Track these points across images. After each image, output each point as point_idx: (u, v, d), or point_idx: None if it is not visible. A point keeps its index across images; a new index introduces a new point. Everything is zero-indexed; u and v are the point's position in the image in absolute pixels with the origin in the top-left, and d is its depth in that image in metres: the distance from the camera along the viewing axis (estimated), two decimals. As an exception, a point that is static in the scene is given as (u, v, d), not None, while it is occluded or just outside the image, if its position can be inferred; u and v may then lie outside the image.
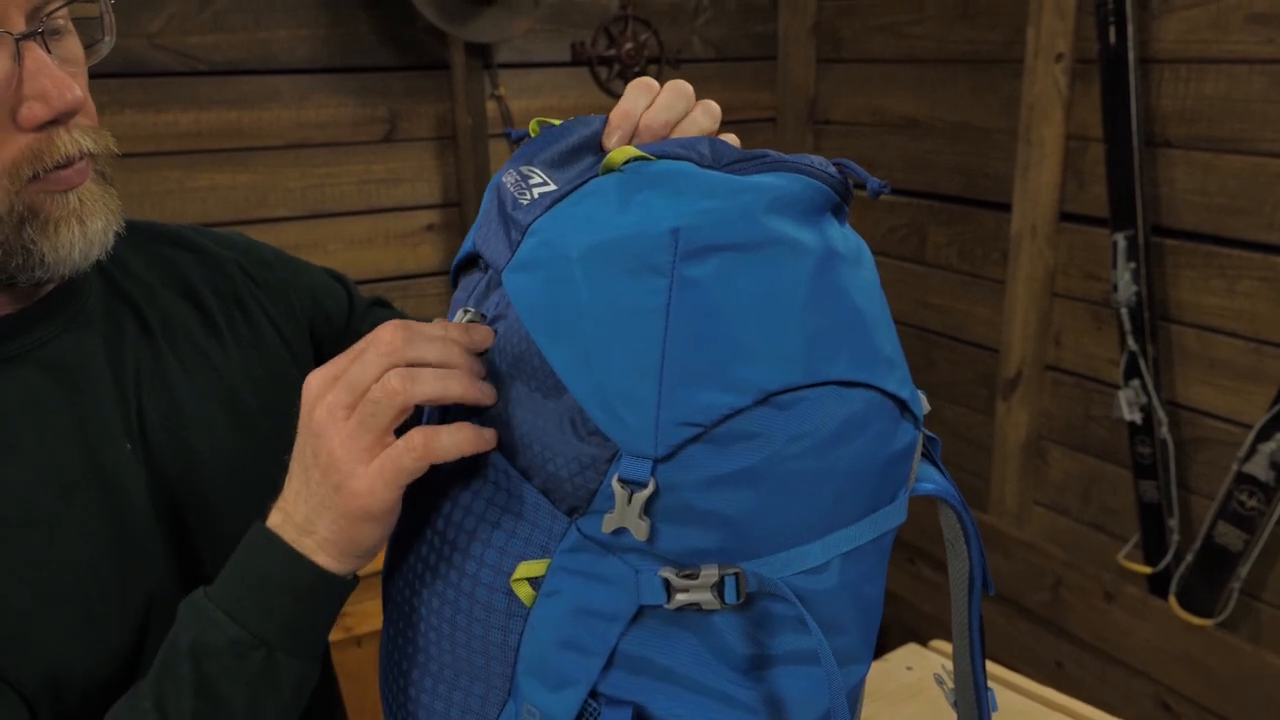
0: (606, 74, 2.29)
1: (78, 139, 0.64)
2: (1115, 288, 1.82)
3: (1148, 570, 1.88)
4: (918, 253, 2.30)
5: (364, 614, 1.81)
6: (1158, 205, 1.79)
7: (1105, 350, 1.92)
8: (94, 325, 0.73)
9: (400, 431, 0.54)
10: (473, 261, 0.62)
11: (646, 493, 0.47)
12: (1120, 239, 1.80)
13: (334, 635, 0.59)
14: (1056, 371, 2.04)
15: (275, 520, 0.58)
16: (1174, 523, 1.83)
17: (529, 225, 0.53)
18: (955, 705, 0.67)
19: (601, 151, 0.57)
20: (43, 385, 0.69)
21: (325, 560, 0.57)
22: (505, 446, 0.54)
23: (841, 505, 0.52)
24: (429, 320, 0.61)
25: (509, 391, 0.54)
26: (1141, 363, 1.81)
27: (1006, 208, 2.03)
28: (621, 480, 0.48)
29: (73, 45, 0.66)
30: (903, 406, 0.53)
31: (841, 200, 0.54)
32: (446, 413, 0.56)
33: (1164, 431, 1.81)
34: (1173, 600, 1.83)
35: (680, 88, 0.58)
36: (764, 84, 2.51)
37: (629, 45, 2.27)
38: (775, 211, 0.50)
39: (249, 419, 0.79)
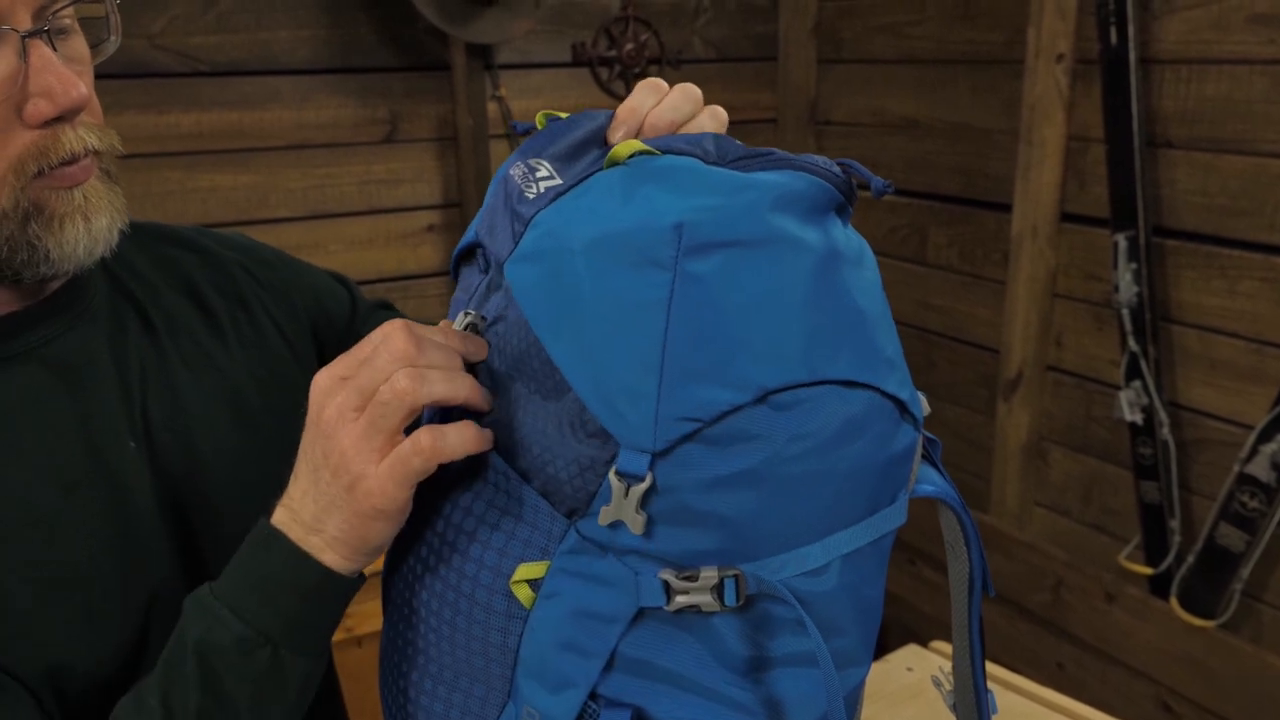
0: (607, 75, 2.29)
1: (83, 136, 0.65)
2: (1116, 288, 1.82)
3: (1149, 571, 1.88)
4: (918, 253, 2.30)
5: (365, 614, 1.81)
6: (1159, 206, 1.79)
7: (1106, 351, 1.92)
8: (98, 324, 0.73)
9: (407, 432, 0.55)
10: (472, 252, 0.61)
11: (643, 487, 0.47)
12: (1121, 240, 1.80)
13: (335, 635, 0.59)
14: (1057, 372, 2.04)
15: (280, 518, 0.59)
16: (1175, 524, 1.83)
17: (532, 217, 0.53)
18: (954, 708, 0.67)
19: (607, 146, 0.57)
20: (47, 383, 0.69)
21: (332, 559, 0.57)
22: (505, 448, 0.54)
23: (841, 507, 0.52)
24: (430, 324, 0.61)
25: (509, 393, 0.54)
26: (1143, 363, 1.81)
27: (1007, 208, 2.03)
28: (619, 474, 0.48)
29: (79, 44, 0.67)
30: (902, 408, 0.53)
31: (845, 200, 0.54)
32: (446, 416, 0.56)
33: (1165, 432, 1.81)
34: (1174, 601, 1.83)
35: (689, 90, 0.59)
36: (764, 85, 2.51)
37: (630, 46, 2.27)
38: (779, 209, 0.50)
39: (252, 418, 0.79)
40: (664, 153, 0.53)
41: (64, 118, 0.63)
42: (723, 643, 0.52)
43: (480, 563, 0.54)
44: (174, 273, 0.81)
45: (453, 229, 2.21)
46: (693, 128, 0.59)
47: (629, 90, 2.32)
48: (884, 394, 0.52)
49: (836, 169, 0.53)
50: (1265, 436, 1.65)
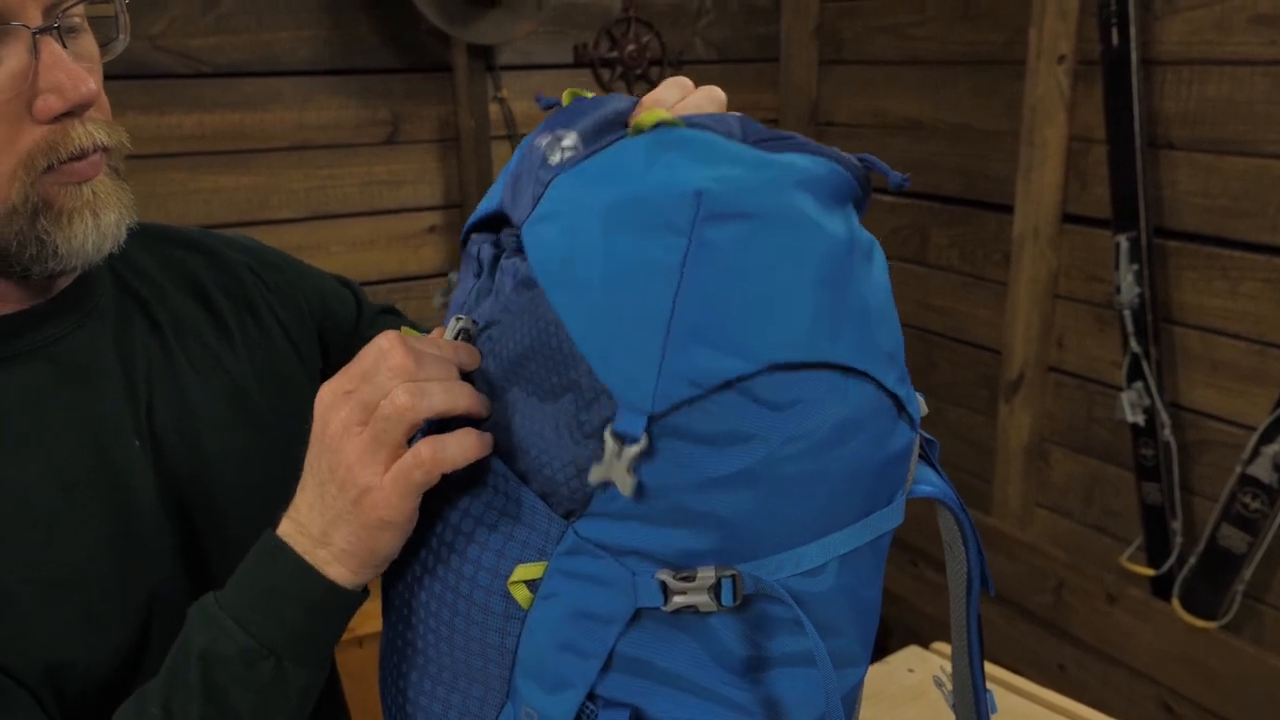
0: (609, 76, 2.29)
1: (92, 132, 0.65)
2: (1118, 289, 1.82)
3: (1151, 572, 1.88)
4: (920, 254, 2.30)
5: (366, 614, 1.80)
6: (1160, 207, 1.79)
7: (1108, 352, 1.92)
8: (106, 324, 0.74)
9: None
10: (486, 225, 0.61)
11: (637, 448, 0.47)
12: (1123, 240, 1.80)
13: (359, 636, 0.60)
14: (1059, 373, 2.04)
15: (287, 530, 0.59)
16: (1177, 525, 1.82)
17: (552, 179, 0.53)
18: (954, 707, 0.67)
19: None
20: (53, 382, 0.70)
21: (339, 571, 0.57)
22: (504, 451, 0.54)
23: (838, 507, 0.52)
24: (427, 330, 0.61)
25: (506, 396, 0.54)
26: (1144, 365, 1.81)
27: (1009, 209, 2.03)
28: (615, 433, 0.47)
29: (88, 43, 0.67)
30: (899, 406, 0.53)
31: (862, 193, 0.54)
32: (445, 423, 0.56)
33: (1167, 433, 1.81)
34: (1176, 603, 1.83)
35: (713, 93, 0.59)
36: (766, 86, 2.51)
37: (631, 47, 2.27)
38: (800, 190, 0.50)
39: (258, 419, 0.79)
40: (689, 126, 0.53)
41: (74, 113, 0.64)
42: (720, 643, 0.52)
43: (478, 564, 0.54)
44: (181, 274, 0.82)
45: (454, 230, 2.21)
46: None
47: (631, 92, 2.32)
48: (881, 387, 0.52)
49: (856, 161, 0.54)
50: (1267, 438, 1.65)
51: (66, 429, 0.69)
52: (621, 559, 0.51)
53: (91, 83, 0.63)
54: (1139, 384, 1.82)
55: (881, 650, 1.26)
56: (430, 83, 2.11)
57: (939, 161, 2.21)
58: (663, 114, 0.52)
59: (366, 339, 0.70)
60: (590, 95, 0.59)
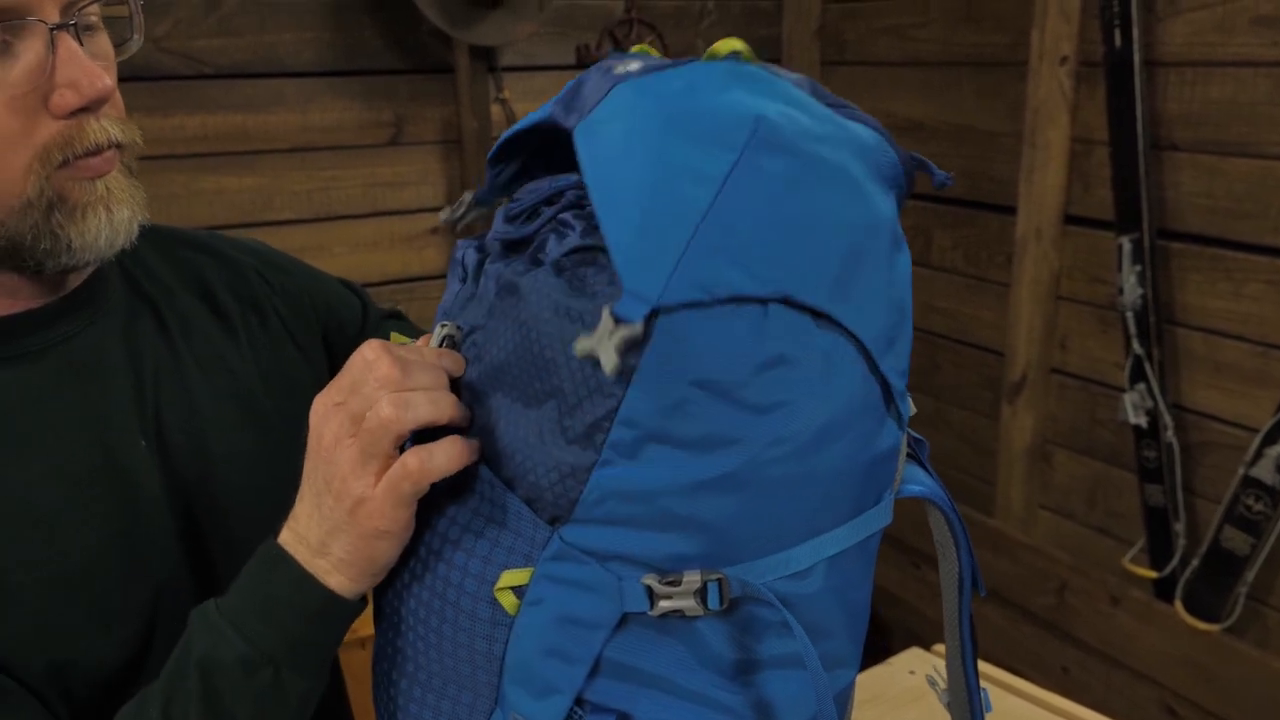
0: (611, 77, 2.29)
1: (107, 128, 0.66)
2: (1121, 291, 1.82)
3: (1153, 574, 1.88)
4: (923, 255, 2.30)
5: (369, 616, 1.81)
6: (1163, 208, 1.78)
7: (1110, 354, 1.92)
8: (115, 324, 0.75)
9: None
10: (516, 145, 0.59)
11: (632, 332, 0.46)
12: (1126, 242, 1.80)
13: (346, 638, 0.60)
14: (1062, 375, 2.03)
15: (287, 539, 0.59)
16: (1180, 527, 1.82)
17: (615, 86, 0.52)
18: (949, 706, 0.67)
19: None
20: (62, 380, 0.70)
21: (339, 581, 0.58)
22: (489, 457, 0.55)
23: (825, 509, 0.52)
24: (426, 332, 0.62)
25: (490, 402, 0.55)
26: (1147, 366, 1.81)
27: (1011, 210, 2.03)
28: (613, 313, 0.46)
29: (103, 42, 0.68)
30: (888, 398, 0.53)
31: (906, 187, 0.55)
32: (432, 430, 0.57)
33: (1170, 435, 1.81)
34: (1178, 605, 1.82)
35: None
36: (769, 87, 2.51)
37: (634, 49, 2.27)
38: (856, 155, 0.51)
39: (263, 420, 0.80)
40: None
41: (89, 108, 0.65)
42: (708, 646, 0.52)
43: (465, 570, 0.54)
44: (189, 275, 0.82)
45: (457, 231, 2.21)
46: None
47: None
48: (874, 368, 0.52)
49: (907, 155, 0.54)
50: (1270, 439, 1.65)
51: (74, 428, 0.70)
52: (607, 564, 0.51)
53: (107, 79, 0.64)
54: (1142, 385, 1.82)
55: (883, 652, 1.26)
56: (433, 84, 2.11)
57: (941, 163, 2.20)
58: (739, 44, 0.53)
59: None
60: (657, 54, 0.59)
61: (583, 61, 2.25)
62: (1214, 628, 1.77)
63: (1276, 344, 1.66)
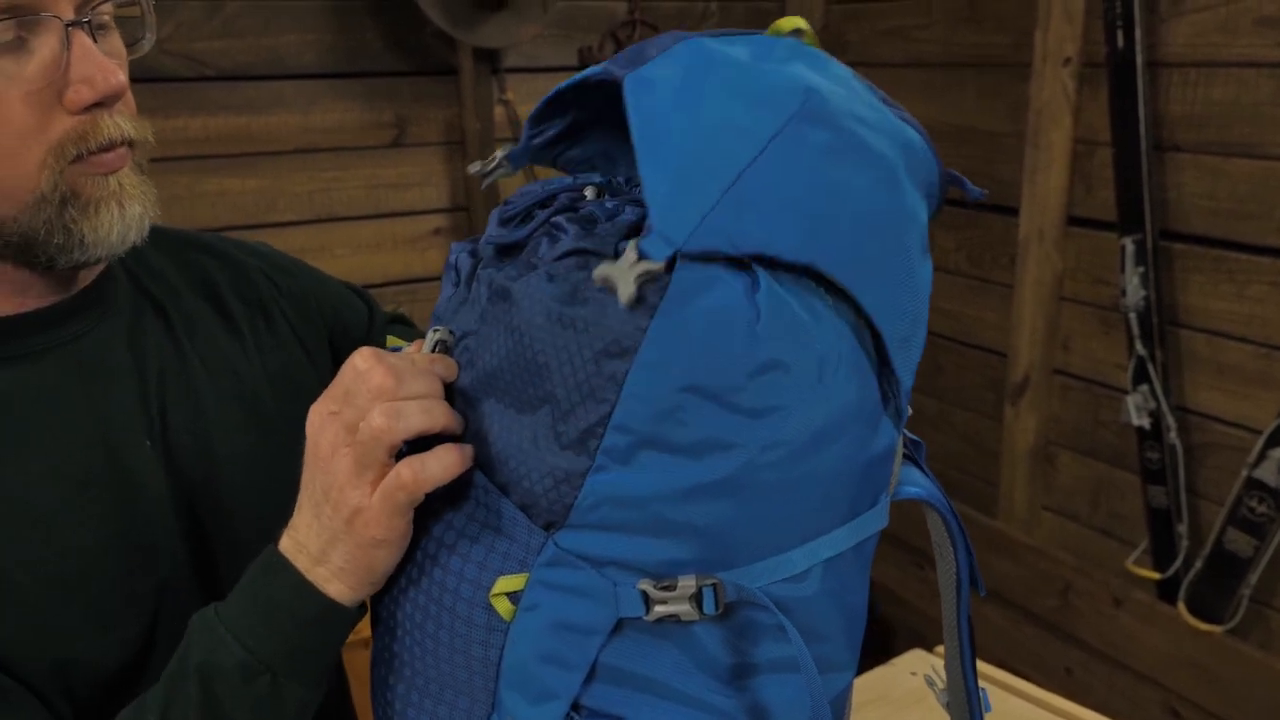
0: (614, 78, 2.29)
1: (120, 124, 0.67)
2: (1124, 292, 1.81)
3: (1157, 576, 1.88)
4: (925, 257, 2.30)
5: (371, 618, 1.81)
6: (1166, 209, 1.78)
7: (1114, 355, 1.92)
8: (121, 325, 0.75)
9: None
10: (562, 103, 0.59)
11: (652, 269, 0.46)
12: (1129, 243, 1.80)
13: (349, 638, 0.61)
14: (1065, 376, 2.03)
15: (287, 546, 0.60)
16: (1183, 528, 1.82)
17: (675, 45, 0.52)
18: (948, 706, 0.67)
19: None
20: (69, 380, 0.71)
21: (338, 589, 0.58)
22: (483, 462, 0.55)
23: (821, 512, 0.52)
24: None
25: (483, 408, 0.55)
26: (1150, 368, 1.80)
27: (1014, 212, 2.03)
28: (638, 247, 0.46)
29: (115, 42, 0.69)
30: (893, 395, 0.54)
31: (939, 200, 0.55)
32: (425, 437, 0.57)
33: (1173, 437, 1.80)
34: (1182, 606, 1.82)
35: None
36: (772, 88, 2.51)
37: (636, 50, 2.27)
38: (901, 150, 0.51)
39: (268, 421, 0.80)
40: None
41: (103, 104, 0.65)
42: (704, 650, 0.52)
43: (460, 575, 0.55)
44: (195, 276, 0.83)
45: (460, 233, 2.21)
46: None
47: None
48: (875, 369, 0.52)
49: (944, 168, 0.55)
50: (1274, 441, 1.64)
51: (79, 427, 0.70)
52: (602, 570, 0.51)
53: (121, 74, 0.65)
54: (1145, 387, 1.82)
55: (886, 653, 1.26)
56: (436, 86, 2.12)
57: (945, 164, 2.20)
58: (802, 22, 0.54)
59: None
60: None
61: (585, 63, 2.25)
62: (1217, 629, 1.77)
63: (1279, 345, 1.66)
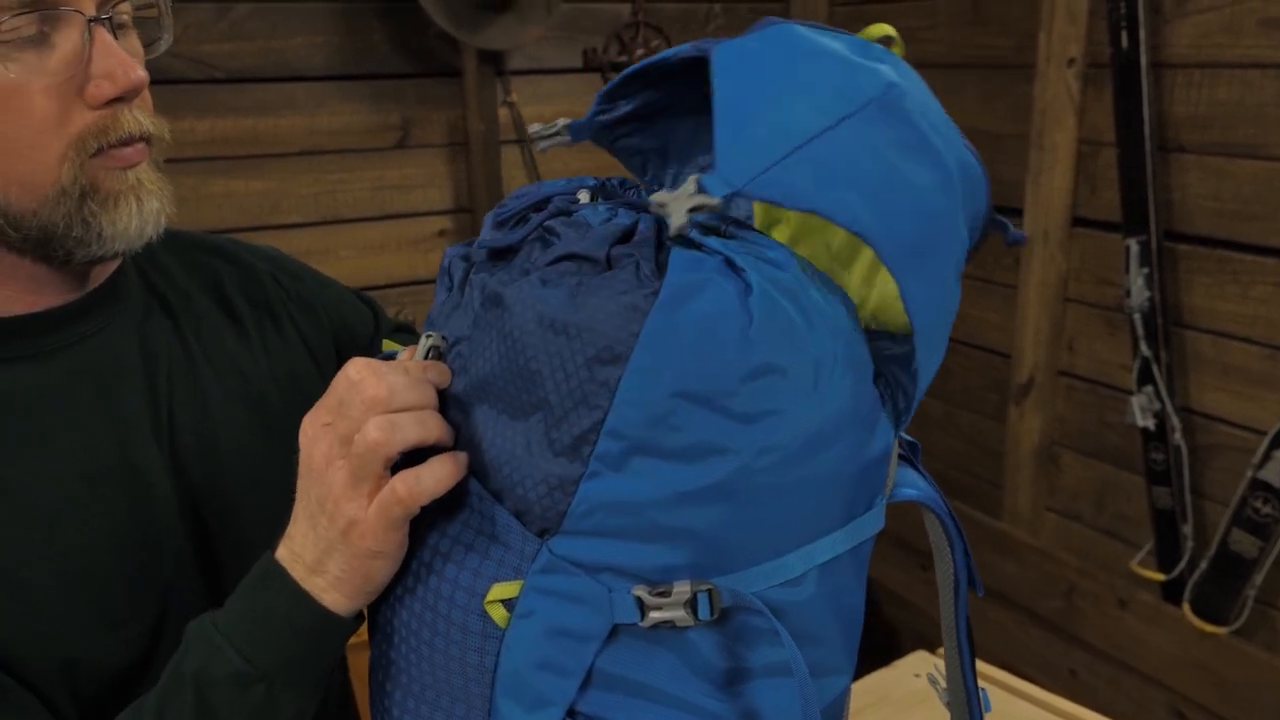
0: (618, 80, 2.29)
1: (139, 119, 0.68)
2: (1128, 293, 1.81)
3: (1161, 577, 1.87)
4: (930, 258, 2.30)
5: (376, 618, 1.81)
6: (1170, 210, 1.78)
7: (1118, 356, 1.92)
8: (131, 326, 0.76)
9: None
10: (640, 80, 0.59)
11: (709, 201, 0.47)
12: (1133, 244, 1.80)
13: (351, 639, 0.60)
14: (1069, 377, 2.03)
15: (284, 555, 0.60)
16: (1188, 529, 1.82)
17: (768, 26, 0.54)
18: (949, 706, 0.67)
19: None
20: (80, 379, 0.71)
21: (334, 599, 0.58)
22: (477, 469, 0.55)
23: (816, 516, 0.52)
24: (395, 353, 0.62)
25: (477, 414, 0.55)
26: (1155, 368, 1.80)
27: (1018, 213, 2.03)
28: (698, 180, 0.47)
29: (134, 41, 0.70)
30: (906, 400, 0.54)
31: (979, 235, 0.56)
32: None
33: (1178, 438, 1.80)
34: (1187, 608, 1.82)
35: None
36: (776, 90, 2.52)
37: (640, 52, 2.28)
38: (959, 171, 0.52)
39: (274, 423, 0.80)
40: None
41: (124, 98, 0.66)
42: (700, 656, 0.52)
43: (455, 583, 0.55)
44: (205, 278, 0.83)
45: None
46: None
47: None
48: (904, 353, 0.53)
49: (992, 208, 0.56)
50: (1279, 442, 1.64)
51: (89, 427, 0.71)
52: (597, 576, 0.51)
53: (141, 70, 0.66)
54: (1149, 388, 1.82)
55: (890, 654, 1.26)
56: (440, 88, 2.12)
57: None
58: (891, 31, 0.55)
59: None
60: None
61: (590, 65, 2.26)
62: (1222, 630, 1.77)
63: (1284, 346, 1.66)
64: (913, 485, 0.58)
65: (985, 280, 2.18)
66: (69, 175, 0.65)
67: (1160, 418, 1.82)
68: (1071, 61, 1.86)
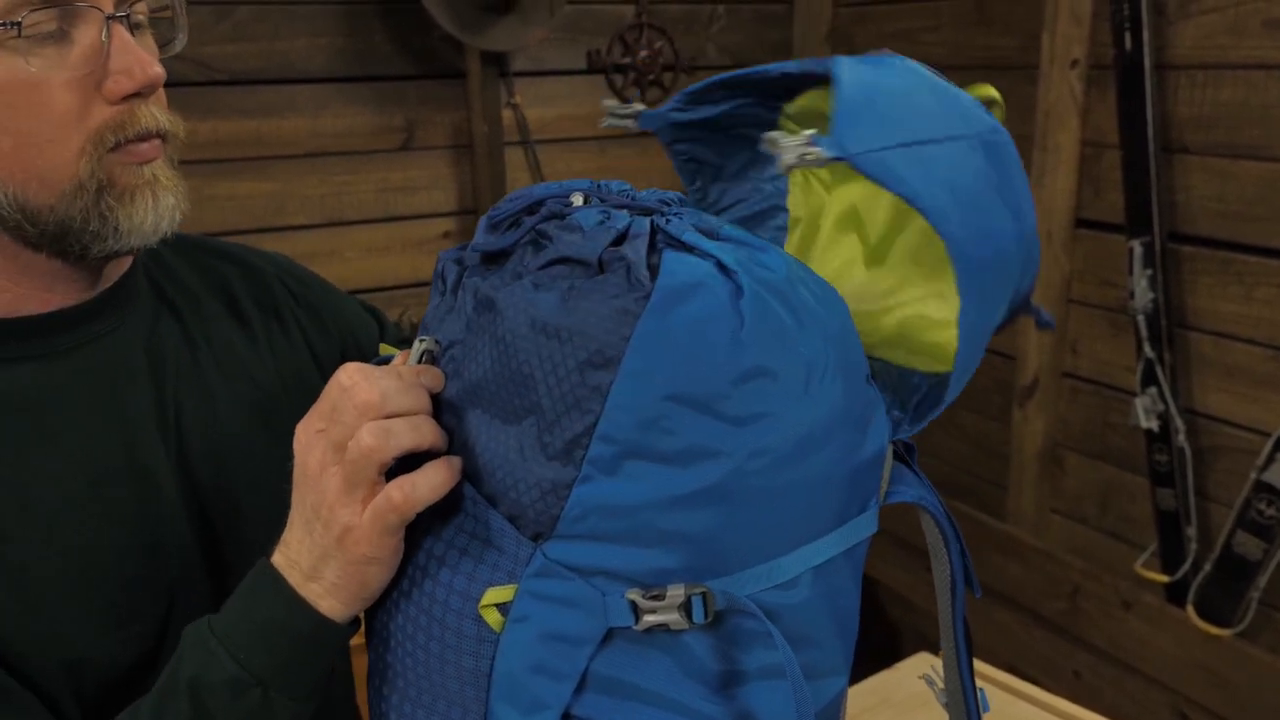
0: (622, 82, 2.29)
1: (156, 114, 0.69)
2: (1132, 294, 1.81)
3: (1165, 579, 1.87)
4: (934, 259, 2.29)
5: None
6: (1174, 212, 1.78)
7: (1122, 357, 1.91)
8: (141, 328, 0.76)
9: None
10: (726, 88, 0.61)
11: (819, 153, 0.49)
12: (1137, 245, 1.79)
13: (353, 640, 0.60)
14: (1073, 379, 2.03)
15: (280, 562, 0.60)
16: (1192, 531, 1.81)
17: (891, 55, 0.56)
18: (947, 706, 0.67)
19: None
20: (89, 380, 0.72)
21: (330, 605, 0.58)
22: (471, 474, 0.55)
23: (809, 518, 0.52)
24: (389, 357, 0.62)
25: (469, 418, 0.55)
26: (1158, 370, 1.80)
27: (1022, 214, 2.02)
28: (811, 139, 0.49)
29: (149, 41, 0.71)
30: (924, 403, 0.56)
31: (1013, 312, 0.59)
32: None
33: (1181, 439, 1.80)
34: (1191, 610, 1.81)
35: None
36: (780, 91, 2.51)
37: (644, 53, 2.28)
38: (1028, 244, 0.56)
39: (281, 425, 0.81)
40: None
41: (141, 94, 0.67)
42: (694, 658, 0.53)
43: (450, 588, 0.55)
44: (212, 281, 0.84)
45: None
46: None
47: (644, 98, 2.33)
48: (869, 377, 0.54)
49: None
50: (1282, 444, 1.64)
51: (97, 427, 0.71)
52: (590, 580, 0.51)
53: (158, 66, 0.67)
54: (1153, 389, 1.81)
55: (893, 655, 1.26)
56: (444, 89, 2.12)
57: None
58: (995, 94, 0.59)
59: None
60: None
61: (593, 66, 2.26)
62: (1226, 633, 1.76)
63: (1288, 347, 1.66)
64: (908, 485, 0.59)
65: (989, 281, 2.18)
66: (86, 170, 0.66)
67: (1164, 419, 1.81)
68: (1075, 63, 1.86)
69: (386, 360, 0.61)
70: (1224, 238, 1.71)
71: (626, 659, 0.52)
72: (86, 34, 0.64)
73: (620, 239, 0.52)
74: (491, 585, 0.53)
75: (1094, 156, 1.90)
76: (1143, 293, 1.79)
